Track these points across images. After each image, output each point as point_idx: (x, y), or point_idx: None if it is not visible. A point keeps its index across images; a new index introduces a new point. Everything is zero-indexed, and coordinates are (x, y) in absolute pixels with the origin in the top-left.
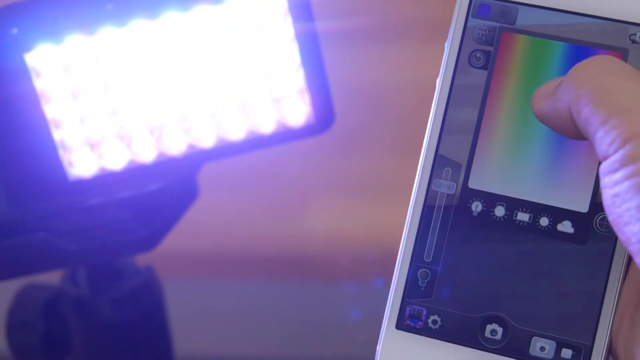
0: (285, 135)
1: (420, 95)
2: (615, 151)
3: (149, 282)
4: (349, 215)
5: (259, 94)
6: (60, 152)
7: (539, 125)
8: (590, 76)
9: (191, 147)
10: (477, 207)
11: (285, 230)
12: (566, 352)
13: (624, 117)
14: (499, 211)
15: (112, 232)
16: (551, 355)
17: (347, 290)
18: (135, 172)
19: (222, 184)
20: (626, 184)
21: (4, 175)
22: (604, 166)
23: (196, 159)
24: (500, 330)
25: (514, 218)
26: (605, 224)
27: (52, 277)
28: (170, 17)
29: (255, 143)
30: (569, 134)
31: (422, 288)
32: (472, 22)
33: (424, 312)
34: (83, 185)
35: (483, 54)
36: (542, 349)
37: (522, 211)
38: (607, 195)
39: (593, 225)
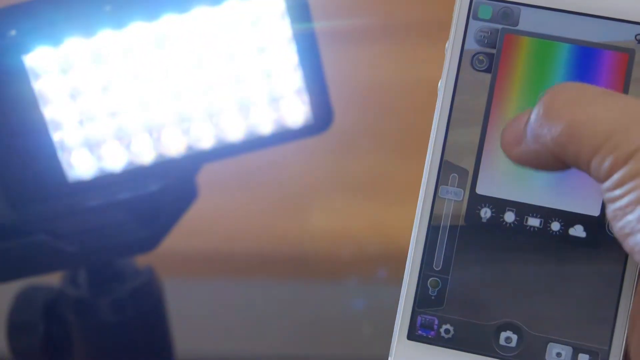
0: (284, 135)
1: (420, 94)
2: (614, 172)
3: (149, 283)
4: (349, 215)
5: (257, 95)
6: (60, 154)
7: None
8: (564, 111)
9: (190, 147)
10: (486, 213)
11: (285, 229)
12: (583, 357)
13: (612, 142)
14: (509, 217)
15: (112, 233)
16: None
17: (348, 289)
18: (134, 173)
19: (222, 185)
20: (626, 199)
21: (3, 178)
22: (605, 186)
23: (195, 159)
24: (515, 337)
25: (524, 223)
26: None
27: (53, 279)
28: (168, 19)
29: (254, 143)
30: (553, 169)
31: (433, 297)
32: (473, 24)
33: (436, 322)
34: (82, 186)
35: (486, 57)
36: (559, 354)
37: (533, 216)
38: (609, 210)
39: (605, 228)
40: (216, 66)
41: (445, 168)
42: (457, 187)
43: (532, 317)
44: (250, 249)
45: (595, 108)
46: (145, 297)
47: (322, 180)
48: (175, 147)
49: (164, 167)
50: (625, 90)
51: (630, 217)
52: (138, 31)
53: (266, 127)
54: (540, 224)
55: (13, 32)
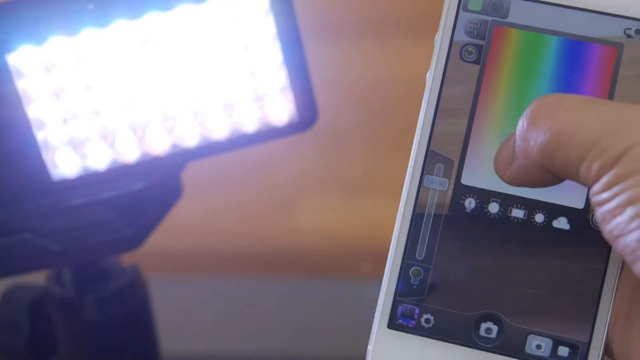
0: (268, 133)
1: (407, 91)
2: (602, 176)
3: (134, 281)
4: (336, 212)
5: (241, 93)
6: (44, 153)
7: None
8: (547, 121)
9: (174, 146)
10: (470, 203)
11: (271, 227)
12: (563, 350)
13: (598, 146)
14: (493, 208)
15: (97, 232)
16: (548, 353)
17: (335, 286)
18: (118, 172)
19: (206, 183)
20: (614, 201)
21: None
22: (594, 190)
23: (180, 157)
24: (495, 328)
25: (508, 214)
26: None
27: (38, 278)
28: (151, 17)
29: (239, 141)
30: (546, 184)
31: (415, 286)
32: (463, 15)
33: (417, 311)
34: (67, 185)
35: (475, 48)
36: (539, 347)
37: (517, 208)
38: (598, 213)
39: (589, 221)
40: (200, 64)
41: (431, 157)
42: (443, 176)
43: (513, 308)
44: (235, 246)
45: (578, 115)
46: (130, 296)
47: (308, 178)
48: (159, 146)
49: (148, 166)
50: (613, 83)
51: (619, 219)
52: (121, 29)
53: (251, 125)
54: (525, 216)
55: None
